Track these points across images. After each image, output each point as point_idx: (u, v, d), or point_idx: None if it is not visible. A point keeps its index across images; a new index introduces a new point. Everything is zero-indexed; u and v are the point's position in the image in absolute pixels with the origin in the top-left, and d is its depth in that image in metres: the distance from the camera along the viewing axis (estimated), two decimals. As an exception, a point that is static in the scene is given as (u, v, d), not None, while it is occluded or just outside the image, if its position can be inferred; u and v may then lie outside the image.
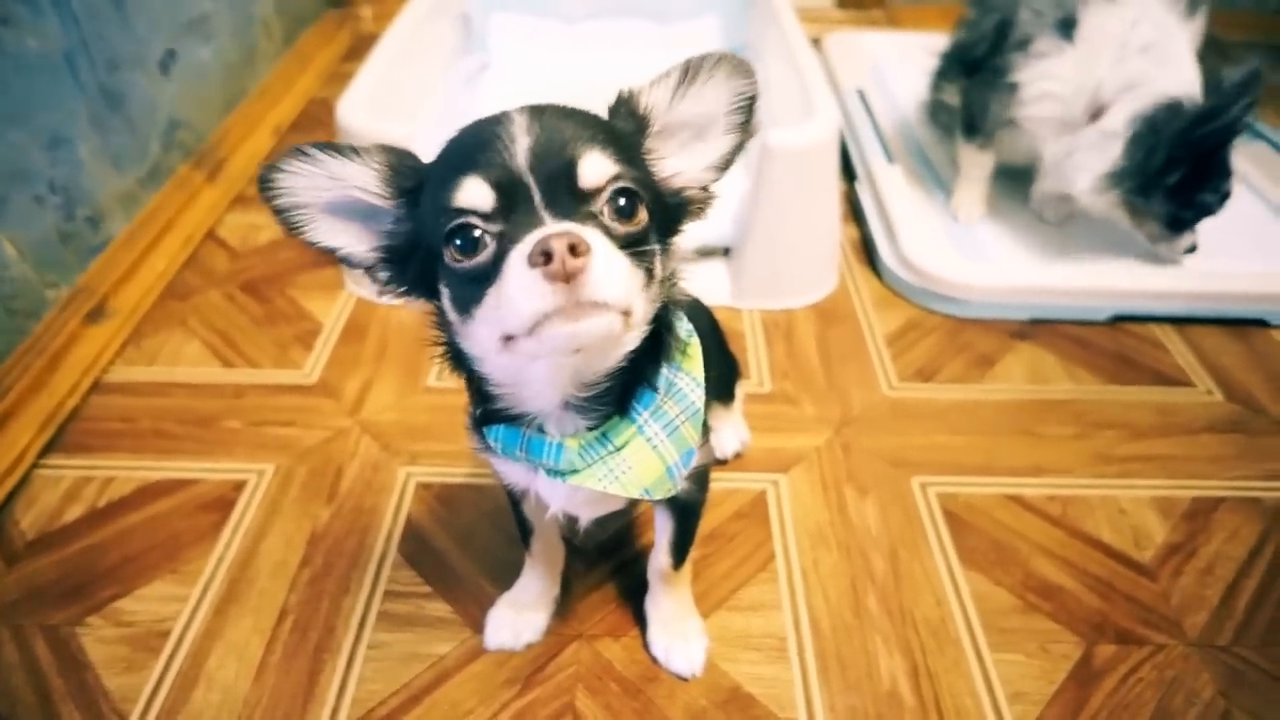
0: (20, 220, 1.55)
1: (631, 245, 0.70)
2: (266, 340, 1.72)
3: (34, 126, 1.60)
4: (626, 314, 0.68)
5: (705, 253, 1.88)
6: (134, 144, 1.93)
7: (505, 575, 1.22)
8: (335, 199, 0.75)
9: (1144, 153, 1.64)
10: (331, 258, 0.78)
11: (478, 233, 0.69)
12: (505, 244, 0.67)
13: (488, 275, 0.68)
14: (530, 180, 0.69)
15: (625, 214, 0.71)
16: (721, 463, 1.44)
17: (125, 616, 1.21)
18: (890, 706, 1.11)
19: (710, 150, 0.79)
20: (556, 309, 0.64)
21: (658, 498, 0.88)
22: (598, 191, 0.70)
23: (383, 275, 0.80)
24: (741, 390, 1.48)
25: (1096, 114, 1.70)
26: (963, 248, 1.91)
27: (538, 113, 0.72)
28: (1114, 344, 1.74)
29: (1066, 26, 1.71)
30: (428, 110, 2.21)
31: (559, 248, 0.62)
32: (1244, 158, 2.23)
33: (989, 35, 1.87)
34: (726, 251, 1.88)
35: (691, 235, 0.82)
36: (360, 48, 2.96)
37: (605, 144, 0.71)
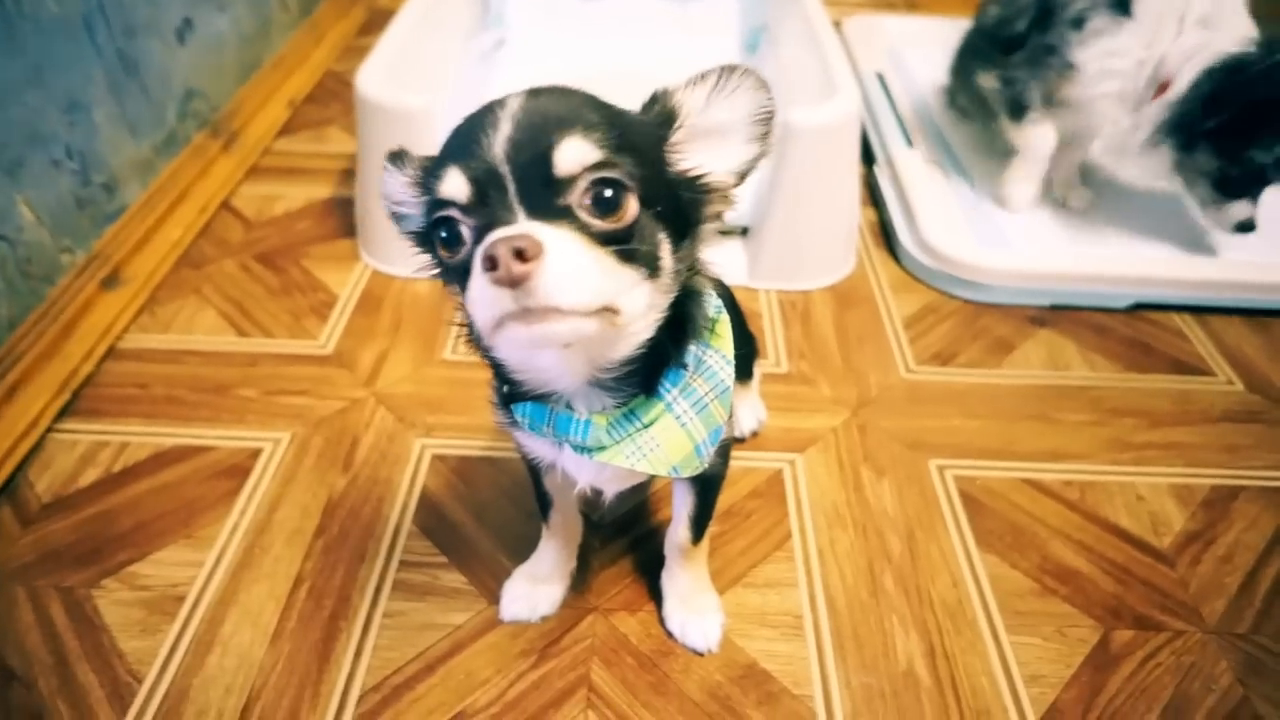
0: (37, 183, 1.54)
1: (616, 241, 0.67)
2: (281, 310, 1.71)
3: (52, 90, 1.58)
4: (611, 311, 0.66)
5: (723, 232, 1.86)
6: (150, 111, 1.92)
7: (521, 548, 1.21)
8: (401, 206, 0.81)
9: (1192, 100, 1.60)
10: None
11: (459, 226, 0.68)
12: (480, 237, 0.66)
13: (469, 269, 0.67)
14: (505, 170, 0.66)
15: (608, 206, 0.67)
16: (739, 441, 1.44)
17: (141, 580, 1.21)
18: (906, 686, 1.11)
19: (729, 157, 0.78)
20: (507, 314, 0.62)
21: (685, 475, 0.88)
22: (573, 180, 0.66)
23: (432, 268, 0.82)
24: (759, 369, 1.47)
25: (1162, 88, 1.66)
26: (981, 232, 1.90)
27: (532, 95, 0.70)
28: (1133, 332, 1.73)
29: (1120, 7, 1.66)
30: (444, 84, 2.19)
31: (503, 253, 0.60)
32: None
33: (1029, 10, 1.82)
34: (745, 231, 1.87)
35: (715, 226, 0.81)
36: (375, 22, 2.94)
37: (591, 129, 0.67)
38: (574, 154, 0.66)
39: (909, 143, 2.17)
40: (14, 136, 1.49)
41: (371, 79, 1.75)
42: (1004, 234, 1.91)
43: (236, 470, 1.37)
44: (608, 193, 0.67)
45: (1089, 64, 1.71)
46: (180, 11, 2.06)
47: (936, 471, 1.41)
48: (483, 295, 0.63)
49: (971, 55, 2.12)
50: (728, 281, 1.34)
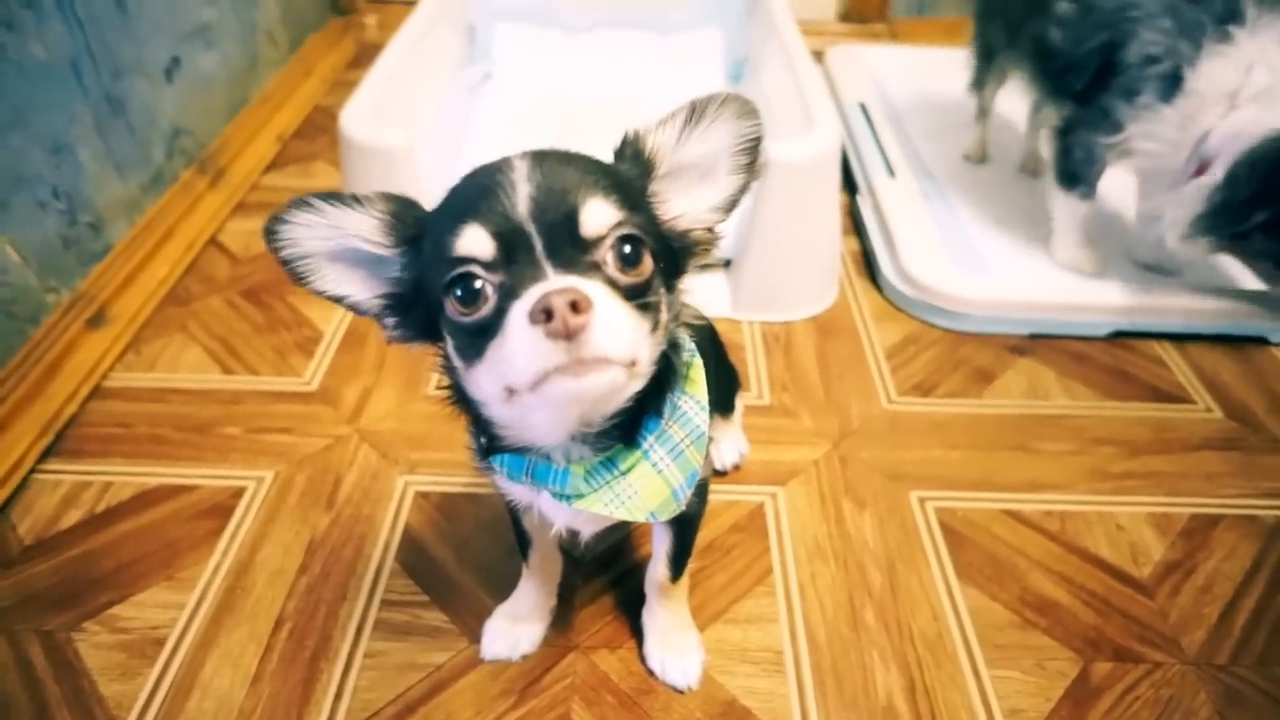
0: (22, 225, 1.55)
1: (636, 295, 0.70)
2: (266, 347, 1.72)
3: (37, 131, 1.60)
4: (632, 364, 0.68)
5: (706, 265, 1.88)
6: (137, 150, 1.94)
7: (503, 585, 1.22)
8: (339, 248, 0.75)
9: (1229, 190, 1.50)
10: (339, 304, 0.78)
11: (479, 283, 0.68)
12: (506, 296, 0.67)
13: (489, 328, 0.68)
14: (532, 229, 0.68)
15: (630, 262, 0.70)
16: (720, 474, 1.44)
17: (121, 623, 1.21)
18: (886, 722, 1.11)
19: (716, 191, 0.79)
20: (558, 366, 0.63)
21: (663, 519, 0.89)
22: (600, 240, 0.69)
23: (389, 323, 0.80)
24: (741, 402, 1.48)
25: (1201, 169, 1.57)
26: (963, 262, 1.92)
27: (540, 159, 0.72)
28: (1113, 360, 1.74)
29: (1171, 83, 1.56)
30: (431, 119, 2.21)
31: (560, 305, 0.61)
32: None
33: (1091, 61, 1.66)
34: (727, 263, 1.88)
35: (695, 276, 0.82)
36: (364, 56, 2.97)
37: (609, 191, 0.70)
38: (600, 214, 0.69)
39: (891, 172, 2.20)
40: (-1, 179, 1.50)
41: (356, 117, 1.77)
42: (985, 263, 1.93)
43: (219, 510, 1.37)
44: (629, 249, 0.70)
45: (1134, 138, 1.64)
46: (168, 51, 2.08)
47: (917, 503, 1.41)
48: (531, 347, 0.64)
49: (1017, 67, 1.98)
50: (710, 314, 1.36)
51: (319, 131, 2.58)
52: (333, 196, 0.73)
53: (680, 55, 2.77)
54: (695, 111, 0.76)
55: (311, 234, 0.74)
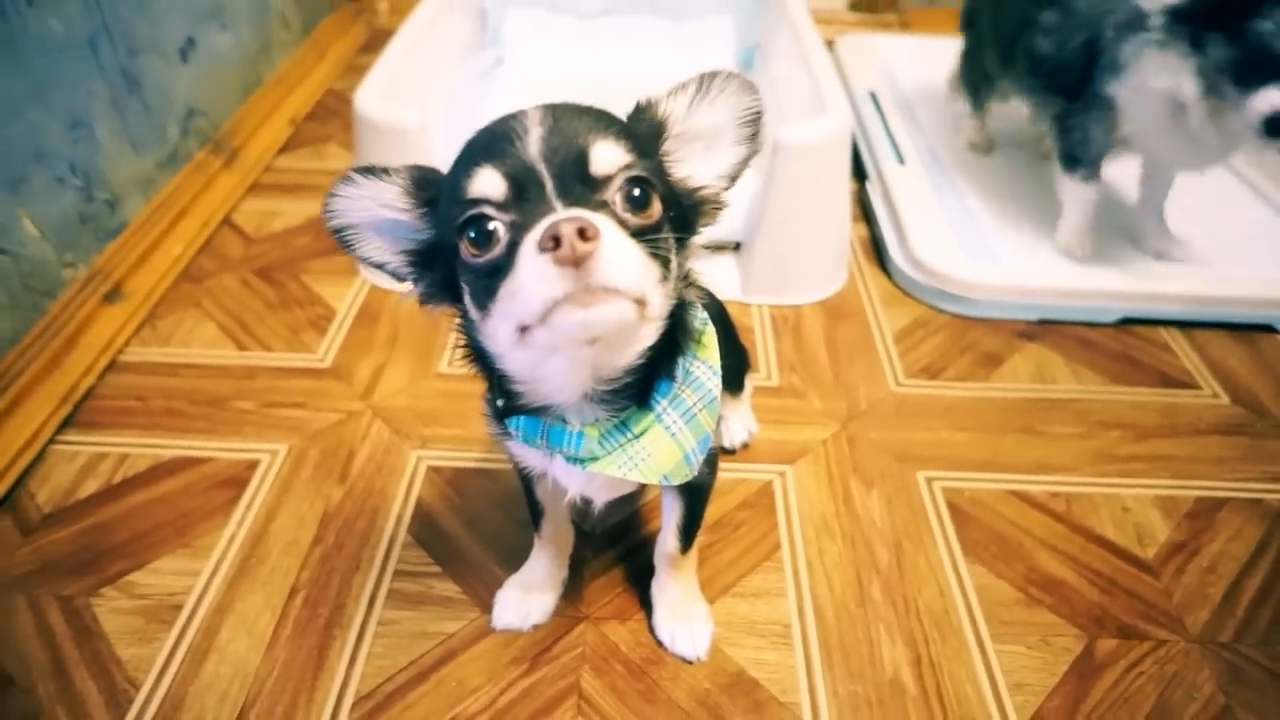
0: (40, 199, 1.57)
1: (645, 236, 0.71)
2: (280, 324, 1.74)
3: (55, 107, 1.62)
4: (641, 303, 0.69)
5: (716, 247, 1.89)
6: (152, 128, 1.95)
7: (513, 558, 1.23)
8: (375, 218, 0.80)
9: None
10: (382, 270, 0.83)
11: (491, 225, 0.70)
12: (518, 233, 0.69)
13: (502, 267, 0.70)
14: (542, 168, 0.70)
15: (638, 204, 0.72)
16: (729, 453, 1.46)
17: (139, 589, 1.22)
18: (892, 694, 1.12)
19: (721, 160, 0.82)
20: (566, 294, 0.65)
21: (675, 483, 0.90)
22: (609, 180, 0.71)
23: (419, 283, 0.83)
24: (750, 382, 1.49)
25: None
26: (971, 248, 1.92)
27: (552, 108, 0.74)
28: (1121, 346, 1.75)
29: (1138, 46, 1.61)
30: (443, 102, 2.23)
31: (568, 231, 0.63)
32: (1253, 164, 2.24)
33: (1077, 58, 1.74)
34: (737, 246, 1.89)
35: (706, 236, 0.84)
36: (376, 40, 2.98)
37: (619, 135, 0.73)
38: (609, 155, 0.71)
39: (901, 160, 2.20)
40: (17, 153, 1.52)
41: (370, 97, 1.78)
42: (993, 250, 1.94)
43: (234, 481, 1.39)
44: (638, 191, 0.72)
45: (1128, 106, 1.68)
46: (183, 30, 2.10)
47: (925, 483, 1.43)
48: (540, 276, 0.65)
49: (1008, 74, 2.03)
50: (720, 296, 1.38)
51: (331, 115, 2.59)
52: (368, 170, 0.78)
53: (691, 42, 2.78)
54: (703, 83, 0.80)
55: (353, 205, 0.79)
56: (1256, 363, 1.71)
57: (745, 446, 1.47)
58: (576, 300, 0.65)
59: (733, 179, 0.83)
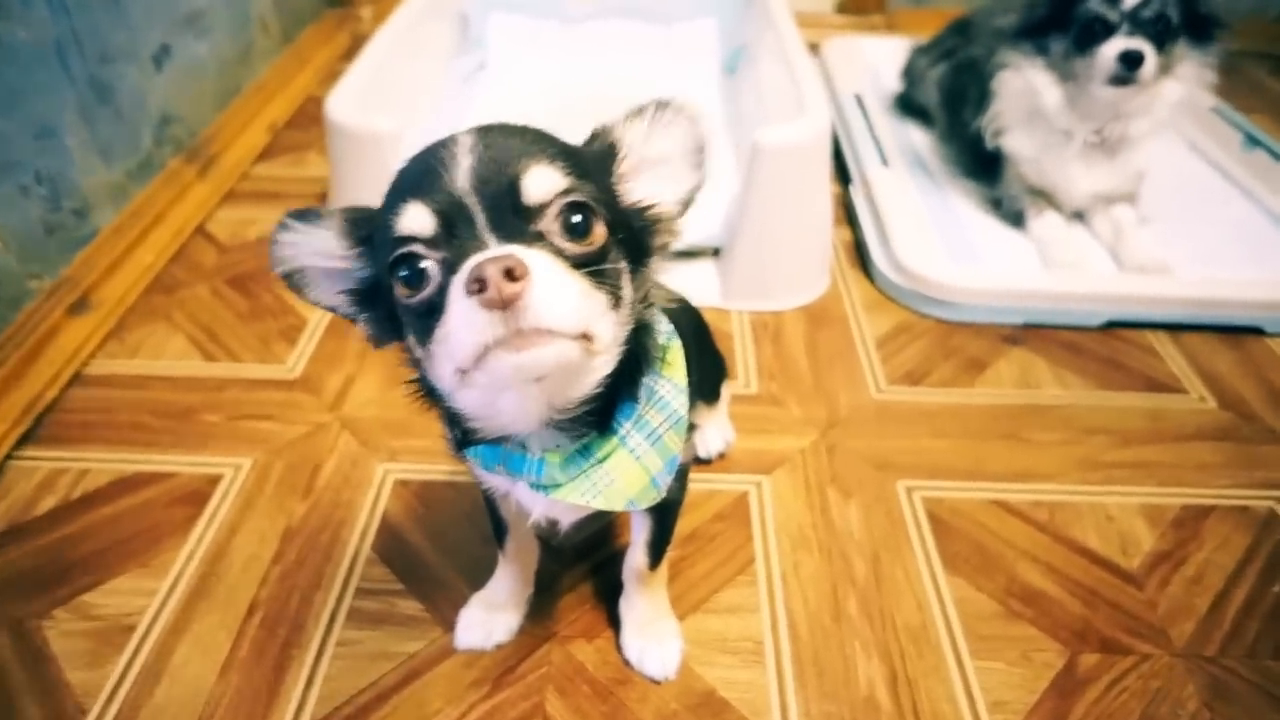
0: (3, 209, 1.54)
1: (589, 265, 0.67)
2: (250, 335, 1.71)
3: (21, 116, 1.59)
4: (586, 338, 0.66)
5: (695, 253, 1.86)
6: (124, 137, 1.93)
7: (480, 574, 1.20)
8: (314, 262, 0.78)
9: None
10: (334, 313, 0.81)
11: (422, 263, 0.66)
12: (449, 272, 0.65)
13: (435, 307, 0.66)
14: (473, 200, 0.66)
15: (578, 232, 0.68)
16: (705, 462, 1.42)
17: (92, 610, 1.19)
18: (867, 713, 1.09)
19: (673, 187, 0.80)
20: (497, 339, 0.61)
21: (642, 507, 0.87)
22: (545, 207, 0.67)
23: (364, 323, 0.81)
24: (728, 390, 1.46)
25: None
26: (956, 251, 1.90)
27: (484, 132, 0.70)
28: (1106, 350, 1.72)
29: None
30: (422, 108, 2.20)
31: (492, 273, 0.59)
32: (1241, 165, 2.22)
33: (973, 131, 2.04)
34: (716, 252, 1.86)
35: (664, 258, 0.81)
36: (359, 47, 2.94)
37: (555, 158, 0.69)
38: (543, 181, 0.67)
39: (884, 161, 2.17)
40: (-21, 163, 1.49)
41: (342, 103, 1.75)
42: (977, 253, 1.91)
43: (196, 496, 1.35)
44: (577, 217, 0.68)
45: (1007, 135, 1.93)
46: (158, 37, 2.07)
47: (904, 492, 1.39)
48: (467, 321, 0.62)
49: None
50: (698, 303, 1.35)
51: (312, 122, 2.56)
52: (301, 214, 0.76)
53: (676, 46, 2.75)
54: (656, 110, 0.78)
55: (294, 250, 0.77)
56: (1244, 366, 1.68)
57: (722, 456, 1.44)
58: (508, 344, 0.61)
59: (684, 206, 0.80)
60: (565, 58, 2.71)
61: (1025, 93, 1.85)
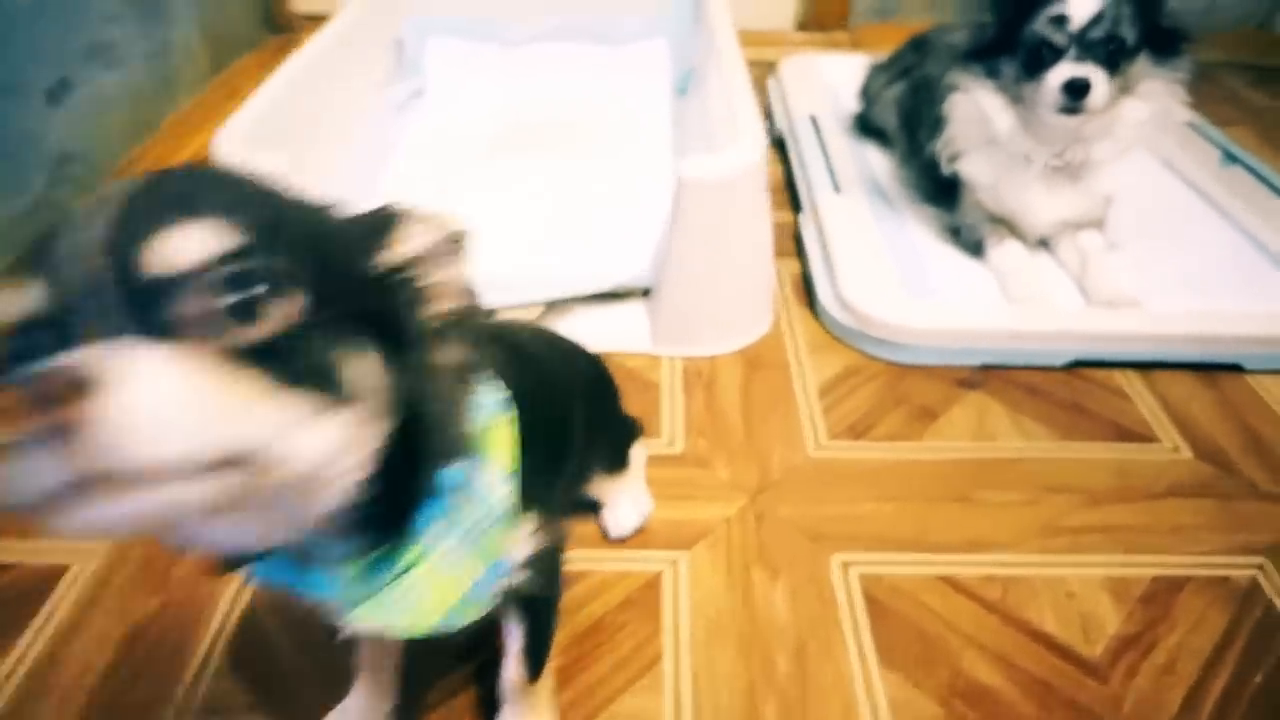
0: None
1: (273, 357, 0.49)
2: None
3: None
4: (247, 462, 0.47)
5: (622, 294, 1.71)
6: (10, 177, 1.79)
7: (343, 679, 1.04)
8: None
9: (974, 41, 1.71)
10: None
11: (35, 359, 0.46)
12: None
13: None
14: (98, 275, 0.48)
15: (245, 311, 0.48)
16: (618, 541, 1.27)
17: (-108, 736, 1.04)
18: None
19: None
20: (58, 485, 0.42)
21: (464, 624, 0.72)
22: (191, 279, 0.48)
23: None
24: (643, 452, 1.31)
25: None
26: (911, 285, 1.74)
27: (149, 179, 0.53)
28: (1070, 392, 1.57)
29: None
30: (346, 141, 2.06)
31: (49, 390, 0.42)
32: (1218, 183, 2.08)
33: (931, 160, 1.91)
34: (646, 293, 1.71)
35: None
36: (292, 75, 2.81)
37: (218, 210, 0.50)
38: (189, 243, 0.49)
39: (836, 188, 2.03)
40: None
41: (230, 139, 1.60)
42: (934, 287, 1.76)
43: (34, 595, 1.20)
44: (238, 294, 0.49)
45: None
46: (52, 72, 1.93)
47: (839, 568, 1.24)
48: (19, 456, 0.43)
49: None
50: (627, 349, 1.18)
51: (235, 155, 2.42)
52: None
53: (626, 68, 2.62)
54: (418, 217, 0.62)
55: None
56: (1222, 409, 1.53)
57: (639, 532, 1.28)
58: (79, 490, 0.42)
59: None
60: (509, 82, 2.58)
61: (977, 117, 1.71)
